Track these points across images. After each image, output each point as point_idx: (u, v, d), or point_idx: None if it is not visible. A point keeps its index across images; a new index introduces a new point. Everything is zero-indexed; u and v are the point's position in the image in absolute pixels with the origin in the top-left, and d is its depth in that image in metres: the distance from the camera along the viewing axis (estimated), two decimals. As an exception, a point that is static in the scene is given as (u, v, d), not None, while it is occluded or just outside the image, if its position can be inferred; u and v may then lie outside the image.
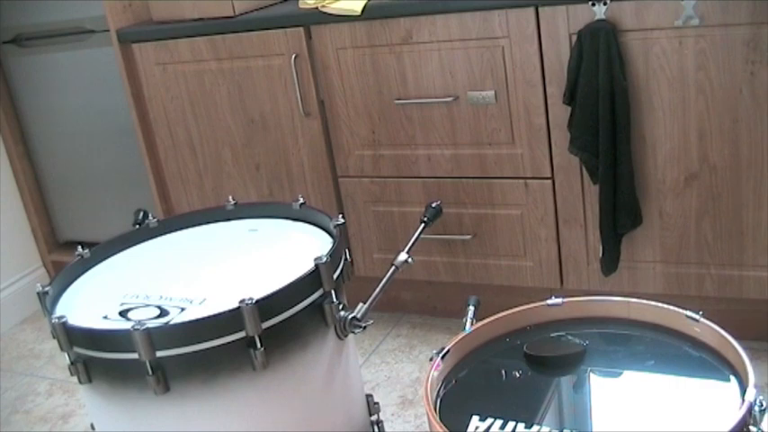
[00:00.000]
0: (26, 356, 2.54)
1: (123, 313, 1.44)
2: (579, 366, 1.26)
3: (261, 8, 2.32)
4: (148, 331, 1.30)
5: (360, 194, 2.24)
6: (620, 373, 1.28)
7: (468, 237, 2.13)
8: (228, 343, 1.34)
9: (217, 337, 1.33)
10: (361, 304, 1.50)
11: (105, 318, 1.43)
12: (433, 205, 1.60)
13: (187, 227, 1.79)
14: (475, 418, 1.15)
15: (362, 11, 2.02)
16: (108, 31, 2.40)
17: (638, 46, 1.79)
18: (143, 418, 1.41)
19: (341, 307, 1.49)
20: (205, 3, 2.25)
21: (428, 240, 2.18)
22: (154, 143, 2.50)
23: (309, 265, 1.43)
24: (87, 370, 1.42)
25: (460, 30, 1.95)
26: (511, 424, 1.12)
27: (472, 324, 1.34)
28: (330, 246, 1.51)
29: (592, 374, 1.26)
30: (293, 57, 2.16)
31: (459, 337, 1.30)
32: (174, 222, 1.80)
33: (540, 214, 2.04)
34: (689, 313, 1.24)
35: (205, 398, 1.37)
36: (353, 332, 1.51)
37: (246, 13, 2.26)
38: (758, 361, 1.90)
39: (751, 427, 1.05)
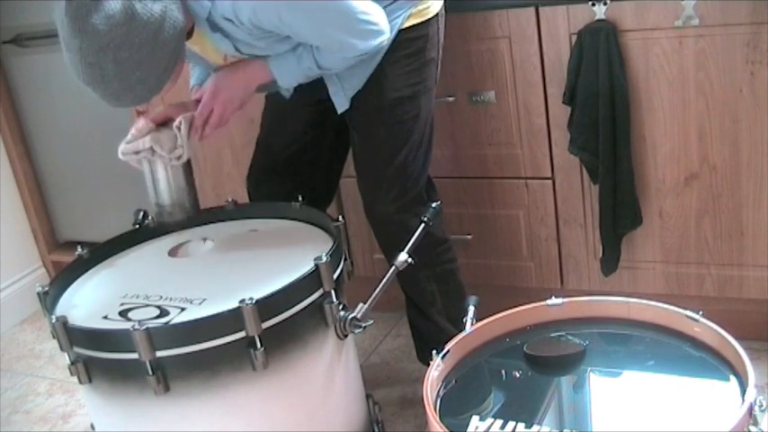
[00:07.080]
0: (26, 356, 2.54)
1: (123, 313, 1.44)
2: (579, 366, 1.26)
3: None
4: (148, 331, 1.30)
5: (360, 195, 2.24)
6: (620, 373, 1.28)
7: (469, 237, 2.13)
8: (228, 343, 1.34)
9: (217, 337, 1.33)
10: (361, 304, 1.50)
11: (105, 318, 1.43)
12: (433, 205, 1.60)
13: (187, 227, 1.78)
14: (475, 418, 1.15)
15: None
16: (108, 31, 2.39)
17: (638, 46, 1.79)
18: (143, 418, 1.41)
19: (341, 307, 1.49)
20: (205, 3, 2.24)
21: (428, 240, 2.17)
22: (154, 143, 2.49)
23: (309, 265, 1.43)
24: (87, 370, 1.42)
25: (460, 30, 1.94)
26: (511, 424, 1.12)
27: (472, 324, 1.33)
28: (330, 246, 1.51)
29: (592, 374, 1.26)
30: (293, 57, 2.15)
31: (460, 337, 1.30)
32: (173, 222, 1.80)
33: (540, 214, 2.04)
34: (689, 313, 1.24)
35: (205, 398, 1.37)
36: (353, 332, 1.51)
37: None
38: (758, 361, 1.90)
39: (751, 427, 1.05)
